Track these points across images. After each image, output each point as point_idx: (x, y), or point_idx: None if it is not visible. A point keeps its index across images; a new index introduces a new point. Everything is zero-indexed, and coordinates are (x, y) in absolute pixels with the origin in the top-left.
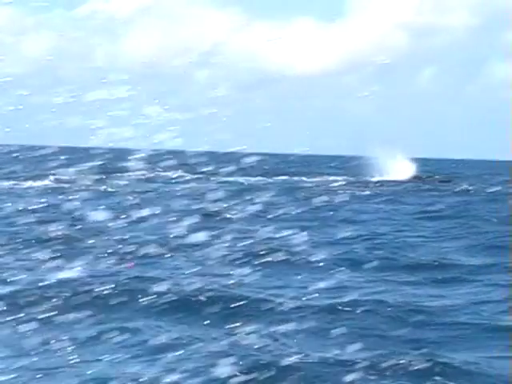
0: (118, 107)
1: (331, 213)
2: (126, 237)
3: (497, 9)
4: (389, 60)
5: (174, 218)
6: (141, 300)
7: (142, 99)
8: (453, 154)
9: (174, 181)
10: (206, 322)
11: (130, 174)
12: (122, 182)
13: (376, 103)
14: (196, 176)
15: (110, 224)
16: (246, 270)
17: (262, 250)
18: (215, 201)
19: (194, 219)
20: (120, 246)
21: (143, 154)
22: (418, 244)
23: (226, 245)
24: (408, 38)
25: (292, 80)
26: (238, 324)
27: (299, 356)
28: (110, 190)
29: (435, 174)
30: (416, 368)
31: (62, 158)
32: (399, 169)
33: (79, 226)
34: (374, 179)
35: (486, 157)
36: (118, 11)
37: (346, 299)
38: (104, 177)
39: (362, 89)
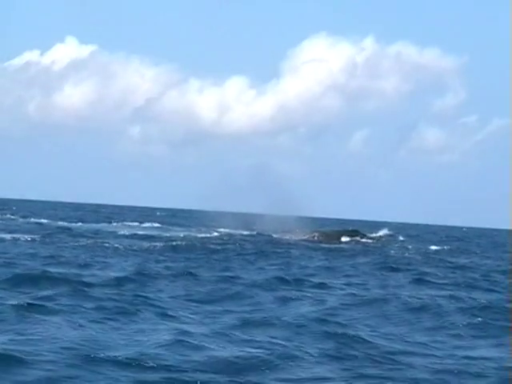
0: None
1: None
2: None
3: (427, 75)
4: (321, 121)
5: None
6: None
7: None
8: (382, 216)
9: None
10: None
11: None
12: None
13: (307, 163)
14: None
15: None
16: None
17: None
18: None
19: None
20: None
21: None
22: None
23: None
24: (341, 101)
25: (225, 138)
26: None
27: None
28: None
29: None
30: None
31: None
32: (306, 227)
33: None
34: (275, 235)
35: (415, 220)
36: (53, 64)
37: None
38: None
39: (294, 149)
